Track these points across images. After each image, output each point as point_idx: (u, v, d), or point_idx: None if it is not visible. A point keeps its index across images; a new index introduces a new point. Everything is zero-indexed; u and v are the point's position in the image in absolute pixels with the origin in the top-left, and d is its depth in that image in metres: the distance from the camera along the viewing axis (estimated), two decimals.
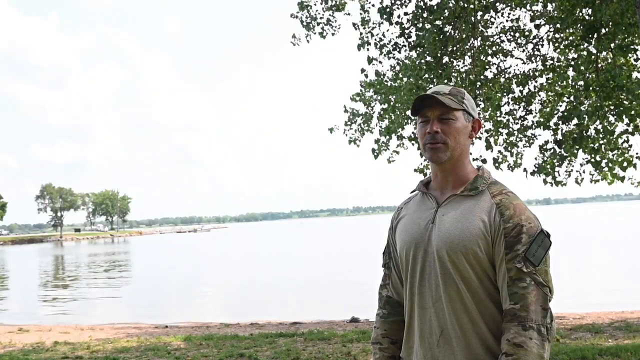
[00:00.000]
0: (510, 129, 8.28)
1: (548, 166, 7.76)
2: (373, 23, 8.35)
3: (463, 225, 1.60)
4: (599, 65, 7.20)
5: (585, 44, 7.28)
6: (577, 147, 7.58)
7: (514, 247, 1.54)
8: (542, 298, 1.52)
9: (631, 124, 7.23)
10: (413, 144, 8.62)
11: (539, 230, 1.56)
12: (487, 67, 8.09)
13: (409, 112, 8.27)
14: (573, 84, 7.83)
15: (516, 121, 8.27)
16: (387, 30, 9.01)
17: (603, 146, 7.57)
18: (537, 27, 7.75)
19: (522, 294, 1.51)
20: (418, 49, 7.72)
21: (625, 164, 7.44)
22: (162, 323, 11.49)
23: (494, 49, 8.10)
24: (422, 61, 7.71)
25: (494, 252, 1.58)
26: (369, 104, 8.76)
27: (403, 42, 8.05)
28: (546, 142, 7.99)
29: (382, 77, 8.34)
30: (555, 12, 7.65)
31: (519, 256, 1.53)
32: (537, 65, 8.03)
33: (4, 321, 13.15)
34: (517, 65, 8.23)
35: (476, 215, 1.60)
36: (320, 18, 8.73)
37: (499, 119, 8.19)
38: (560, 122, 7.69)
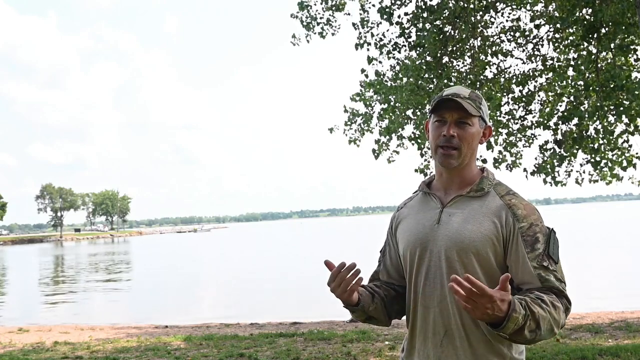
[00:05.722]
0: (510, 129, 8.29)
1: (548, 166, 7.76)
2: (372, 23, 8.36)
3: (473, 226, 1.60)
4: (599, 65, 7.19)
5: (585, 44, 7.28)
6: (577, 147, 7.59)
7: (534, 245, 1.56)
8: None
9: (631, 124, 7.24)
10: (413, 144, 8.61)
11: (548, 229, 1.60)
12: (487, 67, 8.09)
13: (409, 112, 8.27)
14: (573, 84, 7.83)
15: (516, 121, 8.27)
16: (387, 30, 9.02)
17: (603, 146, 7.57)
18: (537, 27, 7.76)
19: (551, 286, 1.54)
20: (418, 49, 7.72)
21: (625, 164, 7.45)
22: (162, 323, 11.48)
23: (494, 49, 8.10)
24: (422, 61, 7.71)
25: (507, 253, 1.59)
26: (369, 104, 8.76)
27: (403, 42, 8.06)
28: (546, 142, 8.00)
29: (382, 77, 8.34)
30: (556, 12, 7.65)
31: (542, 254, 1.55)
32: (537, 65, 8.03)
33: (4, 321, 13.15)
34: (517, 65, 8.23)
35: (486, 216, 1.61)
36: (320, 18, 8.74)
37: (499, 118, 8.19)
38: (560, 122, 7.70)
